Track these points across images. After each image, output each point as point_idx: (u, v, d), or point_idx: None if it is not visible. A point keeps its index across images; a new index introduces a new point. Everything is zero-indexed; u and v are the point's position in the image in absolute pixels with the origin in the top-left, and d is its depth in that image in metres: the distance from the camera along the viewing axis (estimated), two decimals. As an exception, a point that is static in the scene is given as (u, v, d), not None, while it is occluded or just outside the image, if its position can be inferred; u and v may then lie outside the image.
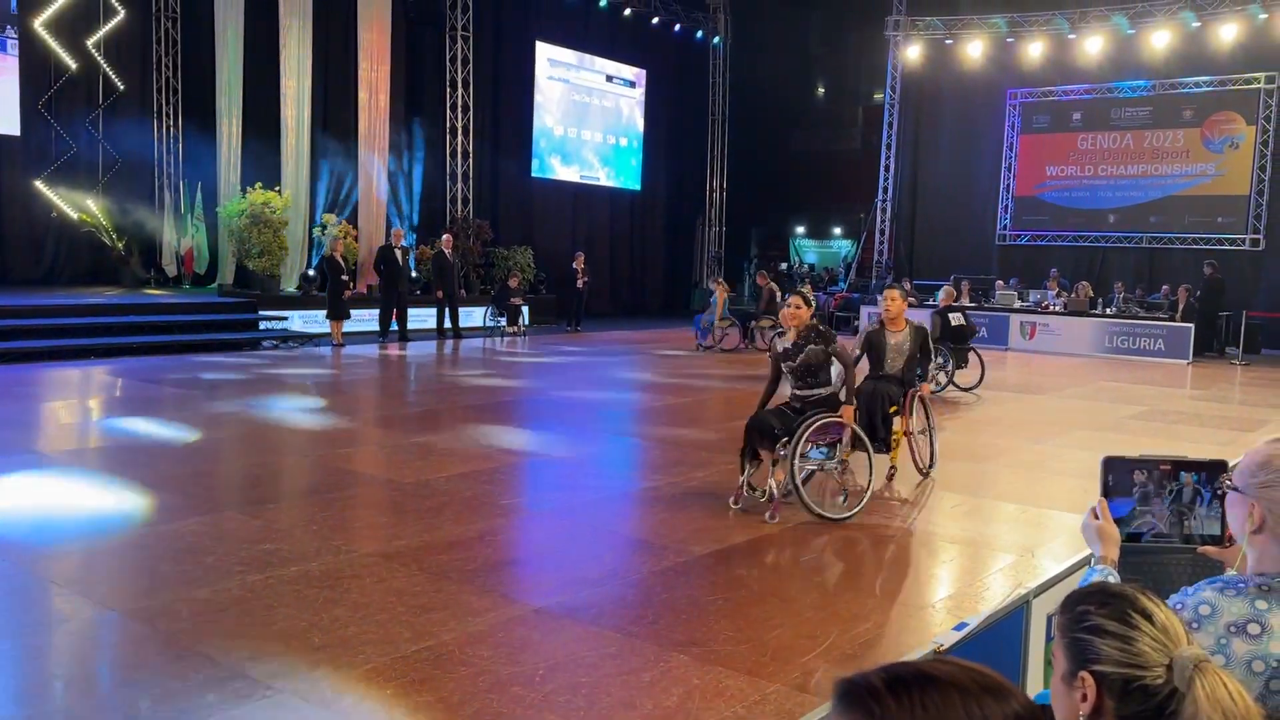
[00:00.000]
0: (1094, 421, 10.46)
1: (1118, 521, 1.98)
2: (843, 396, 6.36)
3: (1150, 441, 9.18)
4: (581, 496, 6.82)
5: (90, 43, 16.79)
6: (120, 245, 16.97)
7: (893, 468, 7.29)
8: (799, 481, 6.11)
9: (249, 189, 16.63)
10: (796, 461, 6.05)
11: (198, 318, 14.98)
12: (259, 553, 5.12)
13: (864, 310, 19.42)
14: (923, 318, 9.42)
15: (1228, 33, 19.51)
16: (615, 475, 7.73)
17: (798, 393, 6.42)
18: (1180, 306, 17.51)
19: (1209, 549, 2.00)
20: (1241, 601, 1.63)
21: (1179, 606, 1.66)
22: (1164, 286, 19.07)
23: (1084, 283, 19.36)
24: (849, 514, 6.20)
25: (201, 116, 17.52)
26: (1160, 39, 20.23)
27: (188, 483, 6.61)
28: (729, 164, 27.29)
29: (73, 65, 16.53)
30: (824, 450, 6.37)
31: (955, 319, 12.50)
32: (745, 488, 6.34)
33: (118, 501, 6.16)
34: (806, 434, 6.12)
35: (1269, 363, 17.17)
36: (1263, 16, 19.12)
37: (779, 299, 16.06)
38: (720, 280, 18.77)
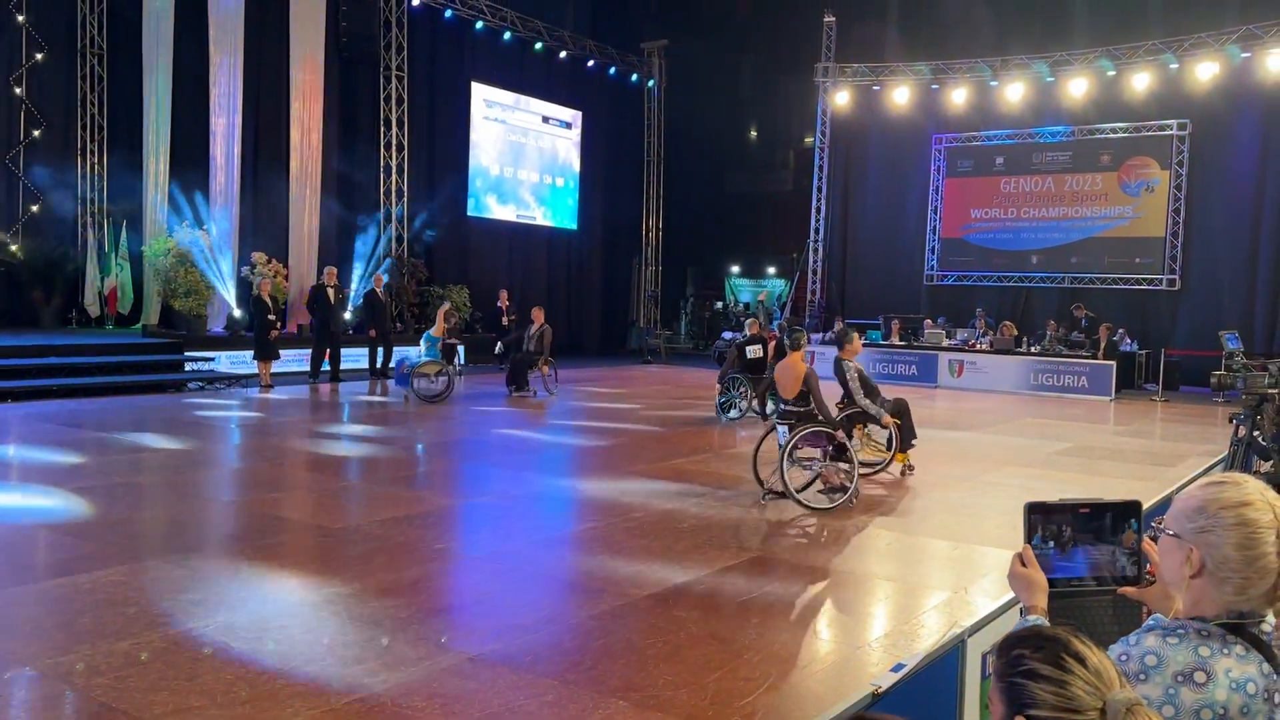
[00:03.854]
0: (1022, 458, 10.67)
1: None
2: (821, 415, 7.86)
3: (1077, 478, 9.39)
4: (516, 539, 6.74)
5: (11, 78, 16.40)
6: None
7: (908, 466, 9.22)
8: (786, 477, 7.62)
9: (176, 227, 16.29)
10: (785, 462, 7.63)
11: (121, 359, 14.56)
12: (182, 603, 4.96)
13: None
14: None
15: (1142, 81, 20.30)
16: (550, 517, 7.66)
17: (788, 408, 7.89)
18: (1102, 345, 18.01)
19: (1128, 590, 2.02)
20: (1185, 649, 1.64)
21: (1124, 657, 1.66)
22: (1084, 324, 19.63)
23: (1007, 322, 19.85)
24: (829, 506, 7.63)
25: (128, 153, 17.16)
26: (1078, 86, 20.98)
27: (108, 531, 6.38)
28: (665, 204, 27.56)
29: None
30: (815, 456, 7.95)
31: (753, 351, 13.25)
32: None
33: (33, 551, 5.93)
34: (794, 441, 7.68)
35: (1187, 399, 17.71)
36: (1174, 66, 19.96)
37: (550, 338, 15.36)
38: (447, 306, 15.59)
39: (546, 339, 15.27)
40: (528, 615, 5.09)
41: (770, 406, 12.09)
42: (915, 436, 9.35)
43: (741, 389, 13.12)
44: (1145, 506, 2.10)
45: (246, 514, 7.20)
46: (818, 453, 7.96)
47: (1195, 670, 1.62)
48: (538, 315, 15.57)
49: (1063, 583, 1.99)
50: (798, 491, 7.73)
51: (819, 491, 7.96)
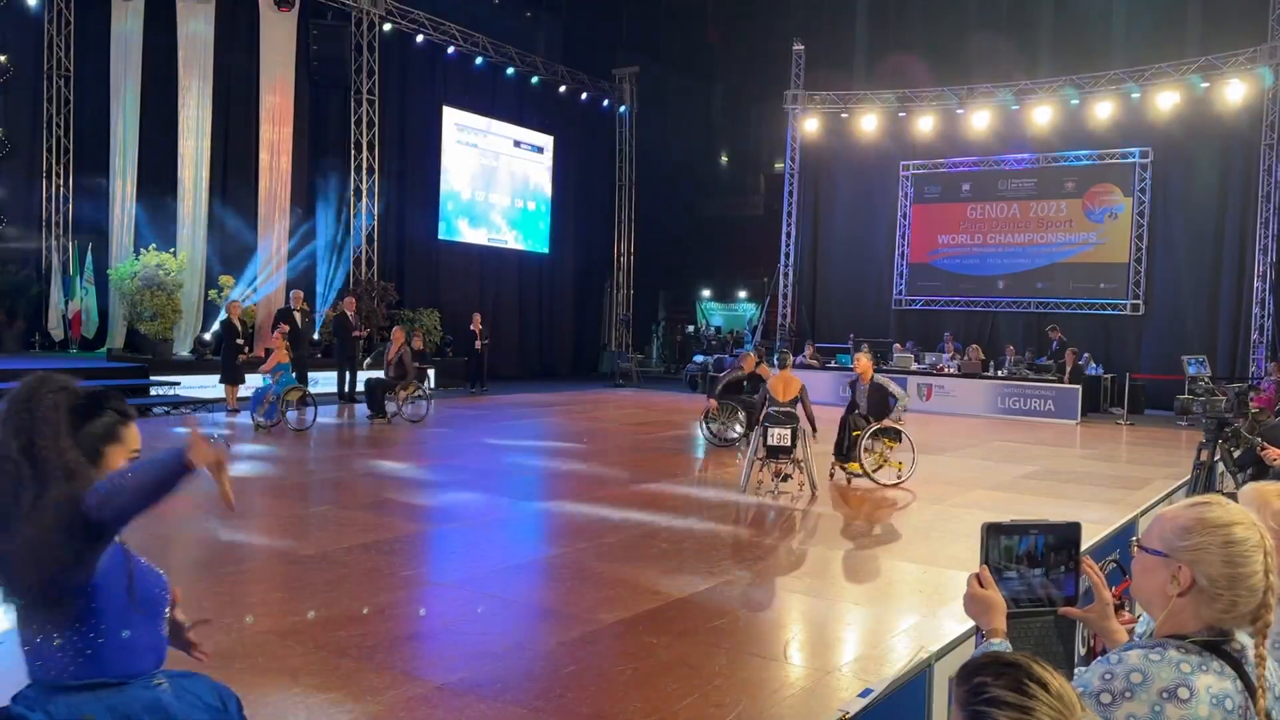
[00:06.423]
0: (990, 481, 10.74)
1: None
2: (807, 415, 9.51)
3: (1044, 501, 9.46)
4: (485, 565, 6.69)
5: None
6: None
7: (849, 475, 10.19)
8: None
9: (142, 250, 16.14)
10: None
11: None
12: (144, 632, 4.86)
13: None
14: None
15: (1105, 109, 20.68)
16: (520, 542, 7.61)
17: (784, 409, 9.36)
18: (1068, 369, 18.22)
19: (1071, 610, 2.04)
20: (1168, 666, 1.67)
21: (1109, 676, 1.68)
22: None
23: (975, 346, 20.05)
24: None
25: (94, 176, 17.01)
26: (1043, 114, 21.32)
27: (68, 559, 6.26)
28: (636, 228, 27.66)
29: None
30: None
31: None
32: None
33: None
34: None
35: (1151, 422, 17.93)
36: (1136, 95, 20.35)
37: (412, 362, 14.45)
38: (279, 336, 14.02)
39: (406, 362, 14.34)
40: (496, 642, 5.05)
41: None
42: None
43: (735, 415, 12.71)
44: (1112, 529, 2.12)
45: (211, 541, 7.10)
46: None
47: (1179, 686, 1.65)
48: (397, 335, 14.76)
49: (1015, 604, 2.01)
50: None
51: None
